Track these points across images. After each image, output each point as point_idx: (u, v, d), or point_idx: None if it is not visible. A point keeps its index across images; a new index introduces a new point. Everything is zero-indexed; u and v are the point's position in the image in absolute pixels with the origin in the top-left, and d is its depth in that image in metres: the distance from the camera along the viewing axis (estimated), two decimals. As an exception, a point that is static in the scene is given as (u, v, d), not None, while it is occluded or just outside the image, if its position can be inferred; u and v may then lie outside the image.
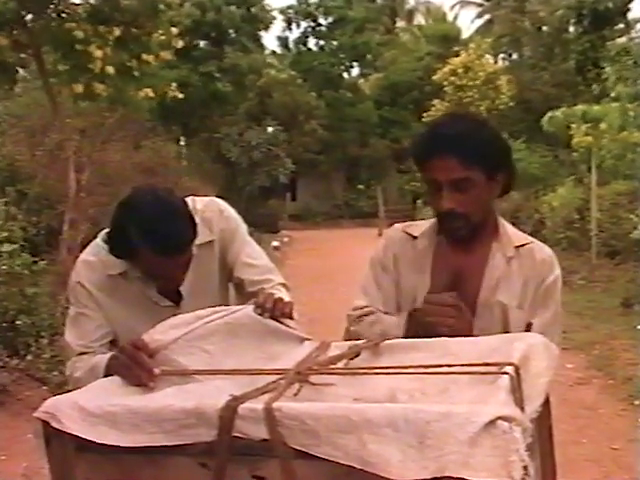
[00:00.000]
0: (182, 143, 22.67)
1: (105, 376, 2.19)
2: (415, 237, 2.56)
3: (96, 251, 2.58)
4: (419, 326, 2.31)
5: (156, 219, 2.31)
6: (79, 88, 8.96)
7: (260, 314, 2.23)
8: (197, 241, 2.48)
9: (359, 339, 2.29)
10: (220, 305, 2.45)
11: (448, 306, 2.30)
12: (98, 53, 8.78)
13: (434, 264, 2.50)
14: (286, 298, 2.38)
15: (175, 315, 2.31)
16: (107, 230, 2.47)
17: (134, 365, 2.05)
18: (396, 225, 2.65)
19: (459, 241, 2.45)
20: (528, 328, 2.35)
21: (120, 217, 2.39)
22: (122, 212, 2.39)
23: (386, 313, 2.51)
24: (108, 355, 2.31)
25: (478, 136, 2.34)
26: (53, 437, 1.79)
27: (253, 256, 2.73)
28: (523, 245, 2.48)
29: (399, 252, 2.57)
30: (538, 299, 2.41)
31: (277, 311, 2.24)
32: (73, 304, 2.59)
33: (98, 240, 2.58)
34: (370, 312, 2.52)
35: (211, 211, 2.64)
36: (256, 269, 2.70)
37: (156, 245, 2.31)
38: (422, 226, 2.59)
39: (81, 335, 2.53)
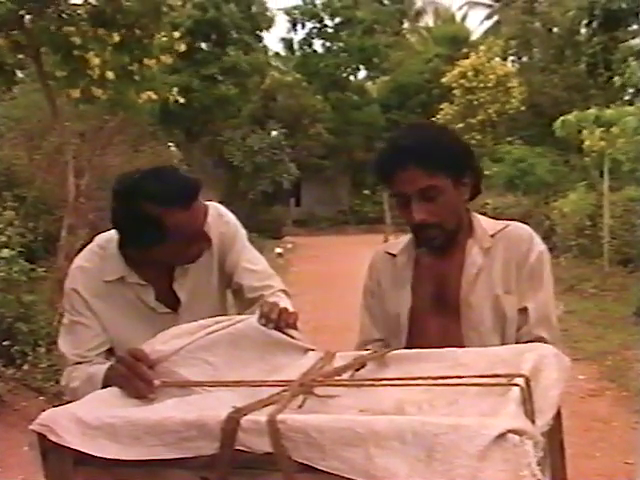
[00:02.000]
0: (173, 148, 22.57)
1: (103, 387, 2.16)
2: (394, 255, 2.61)
3: (91, 257, 2.54)
4: None
5: (159, 180, 2.33)
6: (76, 93, 8.81)
7: (264, 324, 2.21)
8: None
9: None
10: (218, 312, 2.52)
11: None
12: (96, 61, 8.60)
13: (416, 277, 2.53)
14: (289, 307, 2.36)
15: (173, 322, 2.36)
16: (116, 230, 2.43)
17: (133, 376, 2.02)
18: (378, 247, 2.74)
19: (437, 250, 2.46)
20: (521, 313, 2.38)
21: (126, 207, 2.35)
22: (124, 201, 2.35)
23: (380, 340, 2.57)
24: (106, 365, 2.27)
25: (438, 143, 2.36)
26: (50, 450, 1.74)
27: (253, 262, 2.70)
28: (499, 231, 2.48)
29: (381, 273, 2.62)
30: (524, 281, 2.40)
31: (282, 322, 2.22)
32: (68, 312, 2.52)
33: (93, 245, 2.56)
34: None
35: (210, 215, 2.53)
36: (256, 275, 2.67)
37: (174, 198, 2.29)
38: (401, 243, 2.63)
39: (76, 344, 2.47)
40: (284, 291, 2.68)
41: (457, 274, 2.45)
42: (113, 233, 2.50)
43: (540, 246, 2.44)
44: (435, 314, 2.43)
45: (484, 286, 2.41)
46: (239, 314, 2.56)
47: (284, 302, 2.47)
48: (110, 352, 2.50)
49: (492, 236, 2.46)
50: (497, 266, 2.42)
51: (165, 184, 2.32)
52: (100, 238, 2.56)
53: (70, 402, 2.05)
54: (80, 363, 2.44)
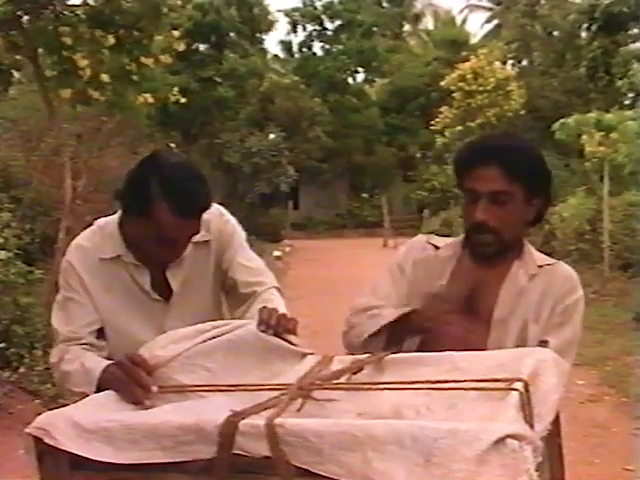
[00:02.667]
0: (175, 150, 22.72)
1: (98, 387, 2.19)
2: (438, 247, 2.60)
3: (90, 236, 2.57)
4: (413, 323, 2.40)
5: (179, 178, 2.34)
6: (67, 94, 8.78)
7: (263, 331, 2.21)
8: (193, 239, 2.49)
9: (353, 334, 2.48)
10: (211, 312, 2.61)
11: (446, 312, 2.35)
12: (83, 63, 8.56)
13: (453, 274, 2.51)
14: (283, 307, 2.45)
15: (164, 312, 2.51)
16: (123, 185, 2.43)
17: (130, 382, 2.04)
18: (420, 235, 2.73)
19: (483, 258, 2.46)
20: (542, 344, 2.31)
21: (142, 171, 2.38)
22: (145, 167, 2.39)
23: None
24: (103, 363, 2.26)
25: (525, 153, 2.40)
26: (46, 454, 1.75)
27: (249, 259, 2.74)
28: (547, 265, 2.49)
29: (419, 258, 2.60)
30: (555, 317, 2.39)
31: (281, 328, 2.23)
32: (62, 287, 2.54)
33: (93, 226, 2.59)
34: (374, 307, 2.53)
35: (210, 213, 2.56)
36: (250, 271, 2.70)
37: (175, 203, 2.30)
38: (446, 240, 2.63)
39: (69, 320, 2.48)
40: (277, 289, 2.69)
41: (496, 288, 2.44)
42: (114, 216, 2.55)
43: (580, 292, 2.46)
44: (462, 318, 2.41)
45: (518, 309, 2.40)
46: (232, 313, 2.68)
47: (278, 301, 2.54)
48: (101, 332, 2.50)
49: (540, 267, 2.47)
50: (535, 295, 2.42)
51: (180, 183, 2.33)
52: (100, 220, 2.60)
53: (63, 394, 2.34)
54: (71, 340, 2.44)
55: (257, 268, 2.73)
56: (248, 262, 2.71)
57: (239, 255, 2.70)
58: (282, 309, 2.41)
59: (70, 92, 8.76)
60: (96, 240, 2.54)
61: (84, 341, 2.44)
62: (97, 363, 2.29)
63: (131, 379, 2.05)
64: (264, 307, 2.35)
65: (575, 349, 2.44)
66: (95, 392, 2.19)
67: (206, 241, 2.62)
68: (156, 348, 2.16)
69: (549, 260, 2.51)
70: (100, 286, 2.50)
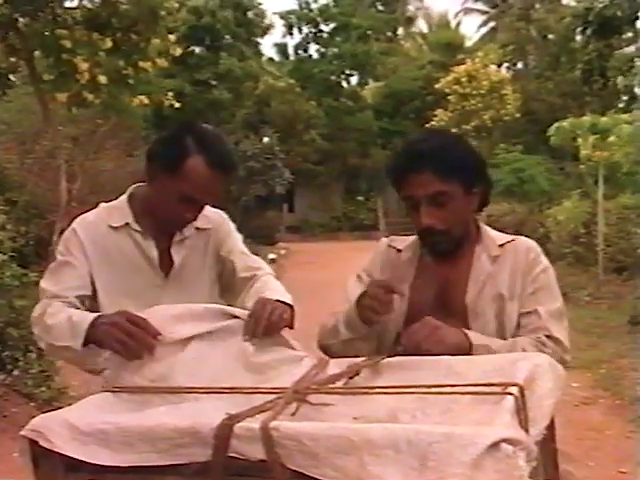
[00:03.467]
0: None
1: (86, 341, 2.24)
2: (399, 250, 2.64)
3: (95, 212, 2.65)
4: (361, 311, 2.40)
5: (213, 137, 2.52)
6: (63, 97, 8.77)
7: (254, 324, 2.26)
8: (196, 224, 2.65)
9: (320, 338, 2.61)
10: (204, 296, 2.65)
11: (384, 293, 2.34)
12: (84, 65, 8.57)
13: (417, 276, 2.55)
14: (284, 294, 2.58)
15: (162, 285, 2.60)
16: (154, 146, 2.56)
17: (132, 342, 2.11)
18: (383, 239, 2.76)
19: (441, 254, 2.50)
20: (532, 315, 2.40)
21: (177, 132, 2.52)
22: (180, 129, 2.53)
23: None
24: (90, 316, 2.29)
25: (454, 150, 2.40)
26: (41, 457, 1.74)
27: (247, 251, 2.88)
28: (508, 242, 2.51)
29: (385, 263, 2.65)
30: (529, 287, 2.43)
31: (271, 326, 2.29)
32: (59, 253, 2.57)
33: (98, 207, 2.67)
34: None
35: (211, 211, 2.77)
36: (250, 258, 2.84)
37: (210, 156, 2.45)
38: (407, 240, 2.65)
39: (58, 281, 2.51)
40: (274, 277, 2.82)
41: (463, 279, 2.47)
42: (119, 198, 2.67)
43: (546, 262, 2.48)
44: (435, 316, 2.38)
45: (490, 292, 2.43)
46: (229, 300, 2.75)
47: (277, 285, 2.70)
48: (87, 300, 2.54)
49: (501, 246, 2.50)
50: (504, 275, 2.45)
51: (215, 142, 2.52)
52: (104, 204, 2.69)
53: (47, 341, 2.35)
54: (57, 297, 2.46)
55: (256, 259, 2.88)
56: (247, 252, 2.86)
57: (238, 245, 2.84)
58: (281, 294, 2.56)
59: (66, 95, 8.75)
60: (102, 214, 2.62)
61: (69, 300, 2.46)
62: (84, 317, 2.32)
63: (133, 338, 2.11)
64: (260, 298, 2.44)
65: (565, 316, 2.46)
66: (82, 345, 2.26)
67: (206, 229, 2.74)
68: (157, 318, 2.19)
69: (508, 237, 2.54)
70: (102, 255, 2.56)
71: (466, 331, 2.30)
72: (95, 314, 2.32)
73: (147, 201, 2.59)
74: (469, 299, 2.44)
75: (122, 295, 2.52)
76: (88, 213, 2.65)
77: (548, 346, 2.31)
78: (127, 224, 2.59)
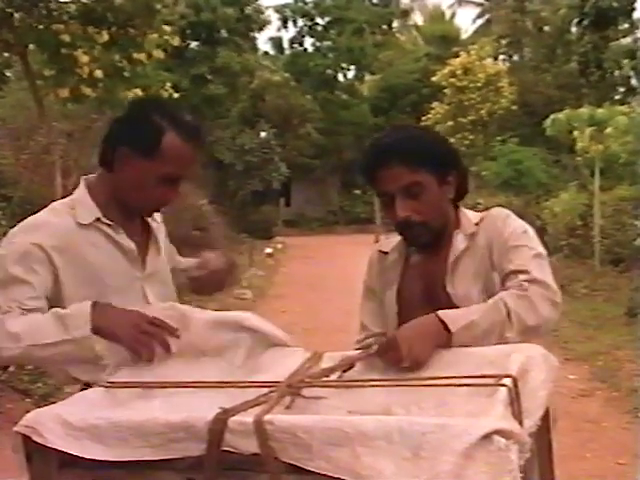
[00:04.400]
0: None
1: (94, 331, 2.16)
2: (386, 253, 2.63)
3: (57, 213, 2.41)
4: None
5: (180, 112, 2.45)
6: (65, 93, 8.73)
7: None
8: (158, 218, 2.65)
9: None
10: (171, 290, 2.65)
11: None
12: (85, 59, 8.52)
13: (404, 276, 2.54)
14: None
15: (142, 280, 2.48)
16: (118, 125, 2.44)
17: (151, 342, 2.16)
18: (375, 245, 2.77)
19: (424, 247, 2.48)
20: (514, 275, 2.27)
21: (141, 111, 2.45)
22: (142, 108, 2.48)
23: (382, 333, 2.53)
24: (87, 305, 2.21)
25: (421, 141, 2.39)
26: (35, 452, 1.73)
27: None
28: (482, 219, 2.47)
29: (377, 271, 2.64)
30: (502, 252, 2.35)
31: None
32: (9, 266, 2.26)
33: (53, 205, 2.46)
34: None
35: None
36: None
37: (184, 130, 2.38)
38: (393, 242, 2.63)
39: (9, 298, 2.23)
40: None
41: (445, 268, 2.45)
42: (71, 195, 2.49)
43: (517, 223, 2.40)
44: (425, 311, 2.31)
45: (469, 270, 2.41)
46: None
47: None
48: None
49: (477, 224, 2.46)
50: (482, 249, 2.41)
51: (183, 115, 2.44)
52: (57, 202, 2.49)
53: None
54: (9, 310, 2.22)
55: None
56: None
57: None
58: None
59: (67, 90, 8.71)
60: (63, 213, 2.40)
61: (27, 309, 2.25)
62: (77, 307, 2.22)
63: (154, 340, 2.16)
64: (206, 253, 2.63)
65: (546, 261, 2.33)
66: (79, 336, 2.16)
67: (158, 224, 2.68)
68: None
69: (483, 213, 2.51)
70: (74, 257, 2.34)
71: (444, 319, 2.16)
72: (88, 302, 2.22)
73: (115, 191, 2.44)
74: (449, 285, 2.41)
75: (101, 294, 2.34)
76: (44, 216, 2.40)
77: (532, 290, 2.20)
78: (98, 219, 2.42)
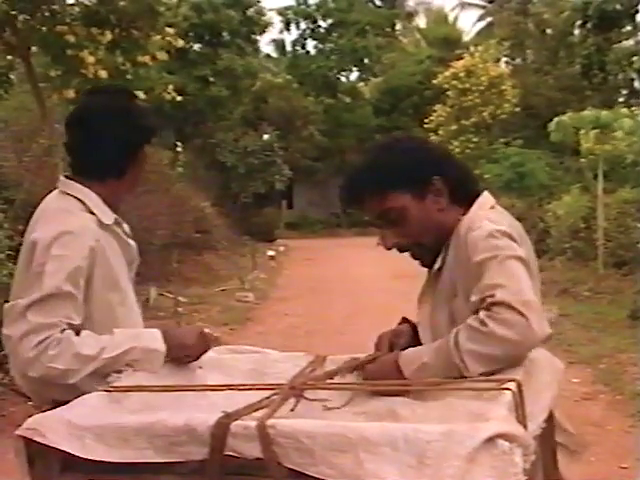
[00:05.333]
0: (179, 149, 22.82)
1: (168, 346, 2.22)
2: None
3: (81, 214, 2.40)
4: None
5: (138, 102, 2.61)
6: (70, 94, 8.73)
7: None
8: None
9: None
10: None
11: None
12: (90, 59, 8.53)
13: (419, 297, 2.35)
14: None
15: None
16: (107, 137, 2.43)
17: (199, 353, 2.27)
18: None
19: (432, 265, 2.29)
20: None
21: (120, 117, 2.46)
22: (120, 113, 2.48)
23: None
24: (158, 331, 2.28)
25: (385, 161, 2.23)
26: (37, 456, 1.72)
27: None
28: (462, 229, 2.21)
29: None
30: (468, 270, 2.08)
31: None
32: (62, 279, 2.23)
33: (69, 207, 2.39)
34: None
35: None
36: None
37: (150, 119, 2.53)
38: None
39: (64, 314, 2.21)
40: None
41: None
42: (73, 195, 2.43)
43: (479, 229, 2.10)
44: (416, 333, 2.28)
45: (441, 293, 2.23)
46: None
47: None
48: None
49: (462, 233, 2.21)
50: (449, 267, 2.22)
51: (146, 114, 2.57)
52: (65, 201, 2.42)
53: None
54: (47, 330, 2.17)
55: None
56: None
57: None
58: None
59: (73, 92, 8.72)
60: (87, 217, 2.39)
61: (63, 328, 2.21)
62: (148, 330, 2.32)
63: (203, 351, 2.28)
64: None
65: (518, 264, 2.03)
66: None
67: None
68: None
69: (470, 221, 2.18)
70: (103, 257, 2.36)
71: (399, 361, 2.03)
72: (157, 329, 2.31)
73: (115, 195, 2.50)
74: (419, 313, 2.28)
75: (119, 295, 2.40)
76: (76, 221, 2.36)
77: (494, 320, 1.90)
78: (116, 221, 2.47)
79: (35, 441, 1.71)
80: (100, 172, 2.45)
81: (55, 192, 2.50)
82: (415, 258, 2.31)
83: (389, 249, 2.27)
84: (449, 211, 2.24)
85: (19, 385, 2.42)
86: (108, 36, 8.76)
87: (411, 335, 2.28)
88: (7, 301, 7.27)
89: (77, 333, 2.22)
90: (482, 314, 1.92)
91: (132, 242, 2.55)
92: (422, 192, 2.21)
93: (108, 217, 2.44)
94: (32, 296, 2.21)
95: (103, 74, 8.75)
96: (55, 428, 1.70)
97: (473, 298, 2.00)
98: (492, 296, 1.93)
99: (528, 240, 2.26)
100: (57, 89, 9.15)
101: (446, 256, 2.23)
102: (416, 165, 2.22)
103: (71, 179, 2.47)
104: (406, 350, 2.08)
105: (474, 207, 2.24)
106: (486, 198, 2.29)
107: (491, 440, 1.42)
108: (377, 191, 2.21)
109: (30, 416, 1.78)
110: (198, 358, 2.28)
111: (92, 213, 2.41)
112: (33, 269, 2.27)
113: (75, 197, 2.43)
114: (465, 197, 2.26)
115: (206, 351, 2.31)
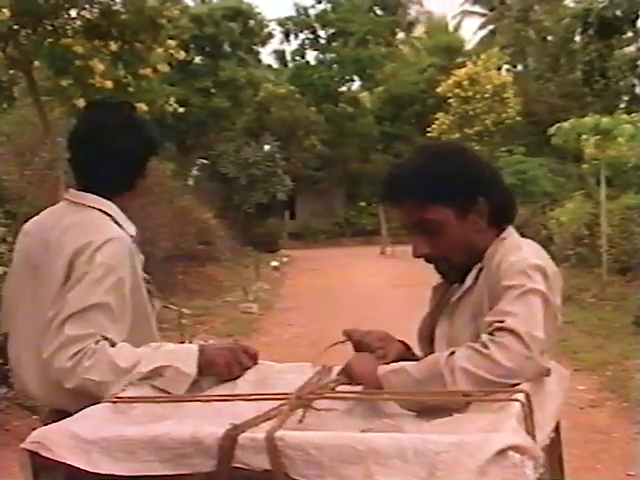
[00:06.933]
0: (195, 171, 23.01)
1: (199, 364, 2.21)
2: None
3: (111, 224, 2.42)
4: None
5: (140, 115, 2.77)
6: (82, 102, 8.72)
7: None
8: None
9: None
10: None
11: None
12: (100, 67, 8.54)
13: (442, 298, 2.32)
14: None
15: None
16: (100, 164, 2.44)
17: (238, 365, 2.26)
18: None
19: (455, 282, 2.24)
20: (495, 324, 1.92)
21: (122, 130, 2.46)
22: (135, 128, 2.51)
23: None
24: (196, 348, 2.27)
25: (435, 171, 2.15)
26: (42, 469, 1.70)
27: None
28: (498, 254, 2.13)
29: (434, 284, 2.41)
30: (497, 293, 2.01)
31: None
32: (104, 290, 2.24)
33: (97, 216, 2.41)
34: None
35: None
36: None
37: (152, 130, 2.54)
38: None
39: (102, 326, 2.22)
40: None
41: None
42: (98, 208, 2.43)
43: (516, 256, 2.06)
44: (427, 345, 2.27)
45: (465, 310, 2.17)
46: None
47: None
48: None
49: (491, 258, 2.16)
50: (480, 289, 2.14)
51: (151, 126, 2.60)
52: (89, 212, 2.41)
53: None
54: (82, 341, 2.18)
55: None
56: None
57: None
58: None
59: (83, 101, 8.72)
60: (114, 226, 2.40)
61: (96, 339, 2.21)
62: (185, 346, 2.34)
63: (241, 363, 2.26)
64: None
65: (539, 301, 1.97)
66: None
67: None
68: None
69: (508, 247, 2.13)
70: (132, 270, 2.37)
71: (381, 375, 1.97)
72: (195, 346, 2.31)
73: (125, 208, 2.50)
74: (438, 328, 2.23)
75: (141, 305, 2.41)
76: (113, 231, 2.37)
77: (496, 343, 1.86)
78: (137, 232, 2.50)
79: (40, 454, 1.69)
80: (109, 187, 2.44)
81: (63, 205, 2.50)
82: (439, 272, 2.26)
83: (417, 257, 2.21)
84: (485, 233, 2.19)
85: (44, 399, 2.43)
86: (112, 46, 8.78)
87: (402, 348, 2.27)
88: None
89: (112, 346, 2.21)
90: (485, 337, 1.89)
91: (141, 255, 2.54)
92: (464, 211, 2.16)
93: (132, 229, 2.47)
94: (73, 308, 2.21)
95: (109, 84, 8.76)
96: (60, 441, 1.69)
97: (486, 319, 1.97)
98: (502, 322, 1.89)
99: (560, 279, 2.14)
100: (66, 99, 9.14)
101: (478, 276, 2.16)
102: (464, 183, 2.16)
103: (85, 192, 2.46)
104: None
105: (509, 231, 2.22)
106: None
107: (502, 452, 1.41)
108: (419, 200, 2.15)
109: (34, 429, 1.76)
110: (237, 376, 2.26)
111: (117, 224, 2.41)
112: (76, 276, 2.26)
113: (98, 209, 2.42)
114: (502, 222, 2.23)
115: (247, 368, 2.29)
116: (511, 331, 1.86)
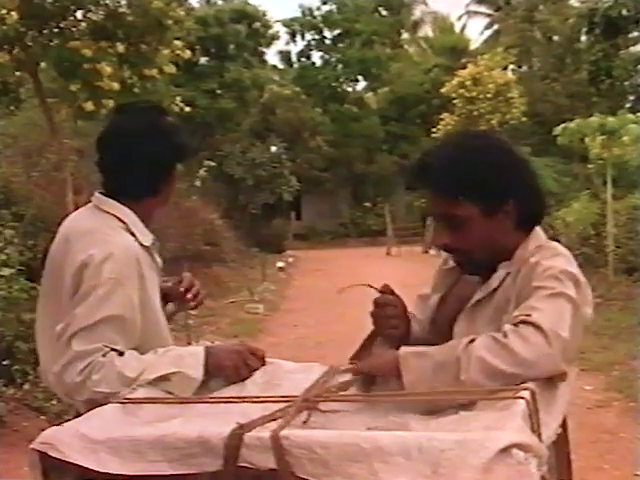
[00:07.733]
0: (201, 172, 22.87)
1: (206, 368, 2.23)
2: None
3: (122, 234, 2.42)
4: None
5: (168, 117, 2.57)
6: (89, 106, 8.74)
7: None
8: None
9: None
10: None
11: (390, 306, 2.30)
12: (108, 70, 8.55)
13: (453, 287, 2.35)
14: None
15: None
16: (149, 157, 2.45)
17: (245, 368, 2.27)
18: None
19: (473, 275, 2.26)
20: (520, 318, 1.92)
21: (152, 137, 2.45)
22: (163, 134, 2.49)
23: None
24: (202, 350, 2.29)
25: (466, 167, 2.11)
26: (51, 470, 1.72)
27: None
28: (533, 258, 2.12)
29: (438, 270, 2.47)
30: (527, 293, 2.01)
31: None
32: (113, 304, 2.27)
33: (110, 224, 2.42)
34: None
35: None
36: None
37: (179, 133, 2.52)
38: None
39: (109, 339, 2.25)
40: None
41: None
42: (113, 215, 2.45)
43: (551, 262, 2.07)
44: (444, 336, 2.19)
45: (487, 311, 2.16)
46: None
47: None
48: None
49: (523, 261, 2.16)
50: (508, 290, 2.14)
51: (178, 132, 2.56)
52: (104, 218, 2.43)
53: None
54: (91, 355, 2.21)
55: None
56: None
57: None
58: None
59: (91, 104, 8.73)
60: (125, 234, 2.41)
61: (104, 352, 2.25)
62: (191, 349, 2.34)
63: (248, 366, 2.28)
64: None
65: (568, 305, 1.98)
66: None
67: None
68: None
69: (540, 252, 2.14)
70: (141, 281, 2.37)
71: (402, 355, 1.97)
72: (201, 347, 2.32)
73: (149, 214, 2.51)
74: (458, 323, 2.20)
75: (151, 317, 2.41)
76: (123, 241, 2.38)
77: (516, 334, 1.86)
78: (153, 242, 2.50)
79: (50, 455, 1.71)
80: (135, 192, 2.46)
81: (88, 208, 2.51)
82: (458, 263, 2.28)
83: (437, 246, 2.24)
84: (511, 234, 2.19)
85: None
86: (120, 48, 8.79)
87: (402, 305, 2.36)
88: (19, 315, 7.25)
89: (120, 354, 2.25)
90: (508, 327, 1.89)
91: (159, 260, 2.55)
92: (493, 210, 2.14)
93: (146, 238, 2.46)
94: (79, 324, 2.24)
95: (115, 86, 8.77)
96: (69, 442, 1.70)
97: (514, 313, 1.97)
98: (528, 316, 1.89)
99: (590, 292, 2.16)
100: (72, 101, 9.15)
101: (506, 278, 2.16)
102: (496, 183, 2.13)
103: (107, 196, 2.47)
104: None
105: (536, 233, 2.22)
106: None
107: (506, 450, 1.41)
108: (448, 193, 2.12)
109: (43, 430, 1.77)
110: (246, 377, 2.27)
111: (131, 233, 2.42)
112: (83, 291, 2.28)
113: (113, 215, 2.43)
114: (530, 225, 2.22)
115: (255, 369, 2.30)
116: (535, 325, 1.86)
